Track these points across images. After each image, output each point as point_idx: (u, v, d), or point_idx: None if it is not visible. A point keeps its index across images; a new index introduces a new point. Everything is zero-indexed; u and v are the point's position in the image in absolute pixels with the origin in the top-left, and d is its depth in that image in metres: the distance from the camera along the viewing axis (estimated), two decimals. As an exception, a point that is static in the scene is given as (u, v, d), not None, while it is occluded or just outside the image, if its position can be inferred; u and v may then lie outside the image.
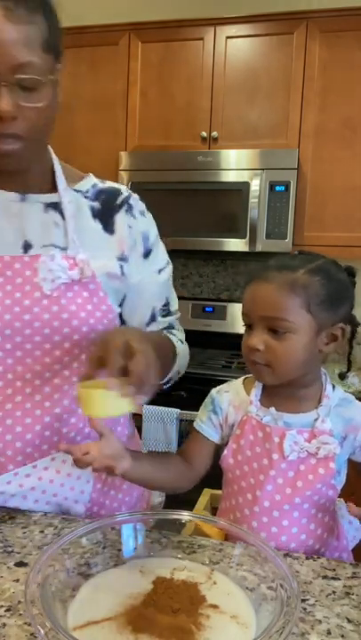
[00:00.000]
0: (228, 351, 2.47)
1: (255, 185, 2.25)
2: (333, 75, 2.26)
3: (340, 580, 0.76)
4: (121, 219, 0.96)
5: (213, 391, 0.99)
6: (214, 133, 2.38)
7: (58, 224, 0.90)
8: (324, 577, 0.77)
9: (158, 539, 0.80)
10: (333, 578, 0.77)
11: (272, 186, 2.26)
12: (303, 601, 0.70)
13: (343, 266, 0.92)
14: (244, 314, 0.90)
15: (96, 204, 0.95)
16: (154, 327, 1.06)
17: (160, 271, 1.03)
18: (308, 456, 0.87)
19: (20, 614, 0.65)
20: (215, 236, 2.34)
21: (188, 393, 2.03)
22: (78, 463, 0.78)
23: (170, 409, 2.04)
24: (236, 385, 0.99)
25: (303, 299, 0.84)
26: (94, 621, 0.62)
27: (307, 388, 0.91)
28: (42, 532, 0.85)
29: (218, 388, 1.00)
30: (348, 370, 1.03)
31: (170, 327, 1.09)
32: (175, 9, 2.60)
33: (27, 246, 0.88)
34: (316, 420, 0.88)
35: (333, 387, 0.94)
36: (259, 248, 2.28)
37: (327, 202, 2.30)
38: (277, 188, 2.25)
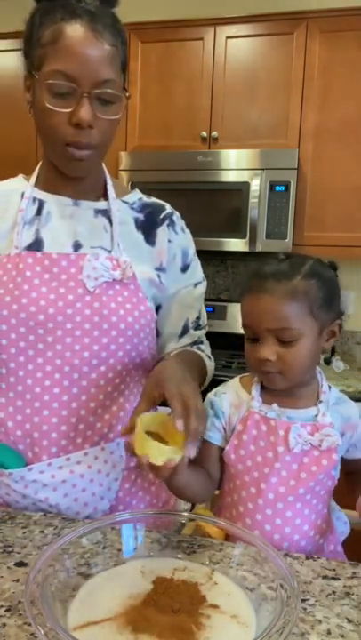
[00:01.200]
0: (228, 351, 2.47)
1: (255, 185, 2.24)
2: (333, 75, 2.26)
3: (340, 579, 0.76)
4: (162, 232, 1.02)
5: (210, 395, 0.99)
6: (214, 133, 2.38)
7: (106, 229, 0.97)
8: (325, 577, 0.77)
9: (158, 539, 0.80)
10: (333, 578, 0.77)
11: (272, 186, 2.26)
12: (303, 601, 0.70)
13: (327, 262, 0.94)
14: (246, 326, 0.90)
15: (140, 216, 1.02)
16: (186, 339, 1.09)
17: (196, 285, 1.09)
18: (312, 448, 0.89)
19: (20, 614, 0.65)
20: (215, 236, 2.34)
21: (188, 393, 2.02)
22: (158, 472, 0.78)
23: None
24: (233, 385, 0.99)
25: (306, 305, 0.85)
26: (94, 622, 0.62)
27: (306, 385, 0.93)
28: (42, 532, 0.85)
29: (214, 391, 1.00)
30: (332, 354, 1.06)
31: (199, 341, 1.14)
32: (175, 9, 2.60)
33: (77, 246, 0.94)
34: (316, 415, 0.91)
35: (329, 387, 0.96)
36: (259, 248, 2.28)
37: (327, 202, 2.30)
38: (277, 188, 2.25)
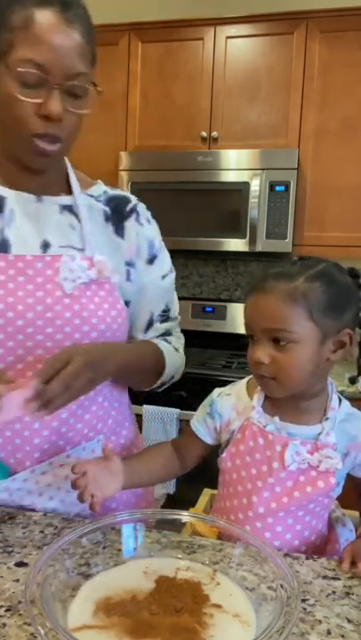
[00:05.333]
0: (228, 351, 2.47)
1: (255, 185, 2.24)
2: (333, 75, 2.26)
3: (340, 580, 0.76)
4: (130, 225, 1.00)
5: (215, 393, 0.98)
6: (214, 133, 2.38)
7: (74, 226, 0.94)
8: (325, 577, 0.77)
9: (158, 539, 0.80)
10: (333, 578, 0.77)
11: (272, 186, 2.26)
12: (303, 601, 0.70)
13: (346, 268, 0.89)
14: (246, 325, 0.87)
15: (107, 209, 0.99)
16: (151, 333, 1.08)
17: (163, 277, 1.06)
18: (309, 468, 0.85)
19: (20, 614, 0.65)
20: (215, 236, 2.34)
21: (188, 393, 2.03)
22: (73, 484, 0.82)
23: (170, 409, 2.04)
24: (238, 388, 0.96)
25: (304, 307, 0.80)
26: (95, 624, 0.62)
27: (312, 399, 0.88)
28: (42, 532, 0.85)
29: (220, 390, 0.98)
30: (359, 374, 1.01)
31: (167, 334, 1.11)
32: (175, 9, 2.60)
33: (45, 246, 0.90)
34: (320, 433, 0.87)
35: (340, 400, 0.91)
36: (259, 248, 2.28)
37: (327, 202, 2.30)
38: (277, 188, 2.25)
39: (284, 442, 0.86)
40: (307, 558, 0.82)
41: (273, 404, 0.90)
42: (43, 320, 0.87)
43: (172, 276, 1.09)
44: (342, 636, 0.64)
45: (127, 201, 1.02)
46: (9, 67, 0.78)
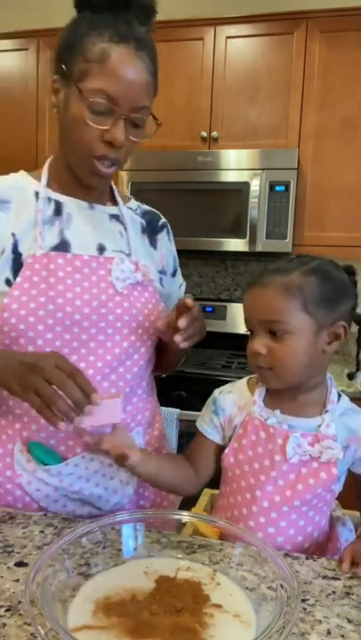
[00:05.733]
0: (228, 351, 2.47)
1: (255, 185, 2.24)
2: (333, 75, 2.26)
3: (340, 580, 0.76)
4: (161, 238, 1.13)
5: (216, 391, 1.00)
6: (214, 133, 2.38)
7: (121, 233, 1.04)
8: (325, 577, 0.77)
9: (158, 539, 0.80)
10: (333, 578, 0.77)
11: (272, 186, 2.25)
12: (303, 601, 0.70)
13: (342, 265, 0.92)
14: (245, 320, 0.91)
15: (143, 222, 1.10)
16: None
17: (180, 286, 1.20)
18: (311, 460, 0.87)
19: (20, 614, 0.65)
20: (215, 236, 2.34)
21: (188, 393, 2.02)
22: (91, 448, 0.87)
23: (170, 409, 2.03)
24: (240, 385, 0.99)
25: (299, 299, 0.84)
26: (95, 624, 0.62)
27: (311, 391, 0.91)
28: (42, 532, 0.85)
29: (221, 388, 1.00)
30: (358, 370, 1.03)
31: None
32: (175, 9, 2.59)
33: (101, 248, 1.00)
34: (320, 425, 0.88)
35: (340, 395, 0.93)
36: (259, 248, 2.28)
37: (327, 202, 2.30)
38: (277, 188, 2.25)
39: (286, 434, 0.87)
40: (307, 558, 0.82)
41: (273, 398, 0.92)
42: (97, 315, 0.94)
43: (184, 285, 1.22)
44: (342, 636, 0.64)
45: (158, 217, 1.15)
46: (82, 93, 0.86)
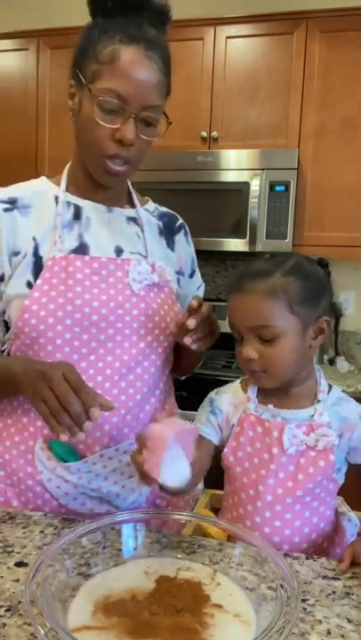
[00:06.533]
0: (228, 351, 2.45)
1: (255, 185, 2.24)
2: (333, 75, 2.26)
3: (340, 580, 0.76)
4: (179, 240, 1.14)
5: (212, 393, 1.02)
6: (214, 133, 2.38)
7: (139, 236, 1.06)
8: (325, 577, 0.77)
9: (158, 539, 0.80)
10: (333, 578, 0.77)
11: (272, 186, 2.25)
12: (303, 601, 0.70)
13: (316, 259, 0.94)
14: (231, 325, 0.92)
15: (160, 224, 1.12)
16: None
17: (198, 288, 1.21)
18: (308, 449, 0.88)
19: (20, 614, 0.65)
20: (215, 235, 2.34)
21: (188, 393, 2.02)
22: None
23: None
24: (234, 386, 1.01)
25: (285, 301, 0.85)
26: (95, 625, 0.62)
27: (302, 384, 0.93)
28: (42, 532, 0.85)
29: (216, 390, 1.02)
30: (336, 355, 1.05)
31: None
32: (175, 9, 2.59)
33: (118, 251, 1.01)
34: (313, 415, 0.90)
35: (330, 386, 0.95)
36: (259, 248, 2.28)
37: (327, 202, 2.30)
38: (277, 188, 2.25)
39: (281, 427, 0.89)
40: (307, 558, 0.82)
41: (266, 394, 0.94)
42: (114, 316, 0.96)
43: (203, 286, 1.23)
44: (342, 636, 0.64)
45: (176, 218, 1.16)
46: (93, 93, 0.88)
